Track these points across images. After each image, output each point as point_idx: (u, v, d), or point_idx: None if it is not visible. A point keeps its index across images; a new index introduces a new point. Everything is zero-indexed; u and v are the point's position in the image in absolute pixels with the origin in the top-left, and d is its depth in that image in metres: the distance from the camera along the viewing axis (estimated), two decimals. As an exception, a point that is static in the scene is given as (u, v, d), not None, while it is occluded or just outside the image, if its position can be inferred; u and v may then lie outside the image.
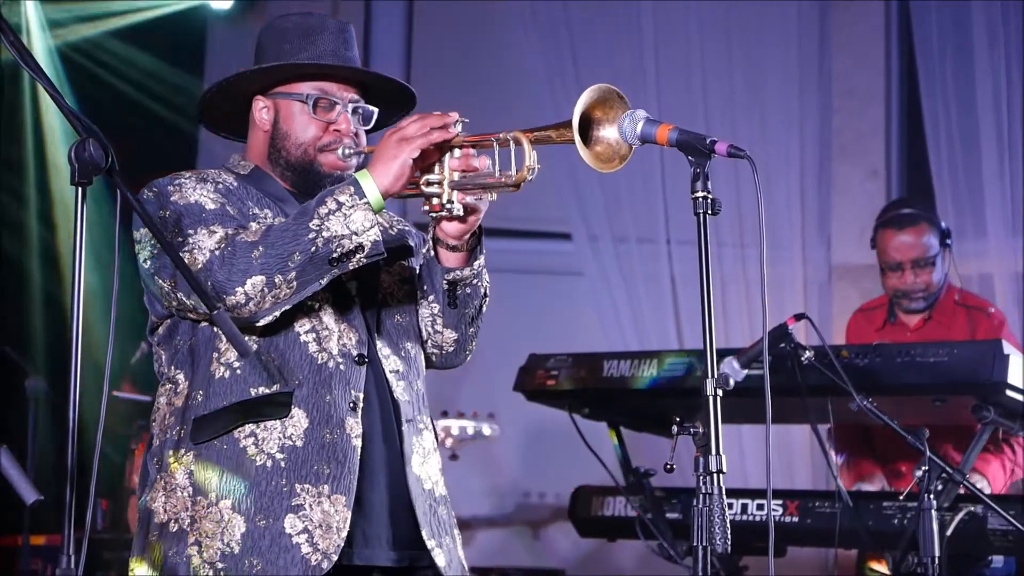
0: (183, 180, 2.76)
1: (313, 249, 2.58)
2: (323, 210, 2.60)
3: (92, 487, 2.30)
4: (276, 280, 2.58)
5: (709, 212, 2.49)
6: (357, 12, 6.99)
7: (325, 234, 2.58)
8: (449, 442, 5.81)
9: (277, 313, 2.64)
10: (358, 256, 2.62)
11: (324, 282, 2.65)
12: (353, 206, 2.59)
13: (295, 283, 2.60)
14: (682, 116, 6.54)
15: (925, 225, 4.74)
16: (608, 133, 2.59)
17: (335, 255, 2.60)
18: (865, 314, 4.99)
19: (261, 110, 2.90)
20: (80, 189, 2.30)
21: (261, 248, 2.59)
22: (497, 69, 6.97)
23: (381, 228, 2.67)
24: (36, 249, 6.26)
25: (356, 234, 2.59)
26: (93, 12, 6.50)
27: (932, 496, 3.61)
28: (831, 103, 6.87)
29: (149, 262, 2.72)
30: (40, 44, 6.27)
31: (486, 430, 5.88)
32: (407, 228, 3.04)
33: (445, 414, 5.86)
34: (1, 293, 6.09)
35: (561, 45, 6.77)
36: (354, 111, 2.88)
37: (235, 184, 2.84)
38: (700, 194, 2.49)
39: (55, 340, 6.13)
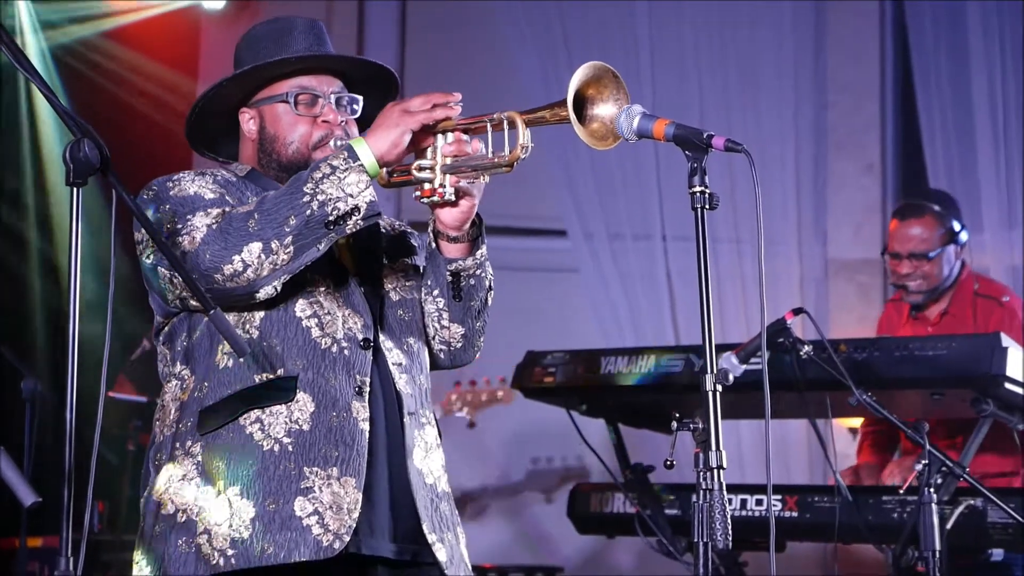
0: (181, 176, 2.77)
1: (308, 212, 2.57)
2: (317, 175, 2.59)
3: (90, 489, 2.29)
4: (273, 246, 2.57)
5: (707, 207, 2.48)
6: (351, 12, 6.98)
7: (320, 197, 2.57)
8: (465, 410, 5.82)
9: (277, 284, 2.63)
10: (355, 218, 2.61)
11: (322, 248, 2.63)
12: (347, 169, 2.58)
13: (292, 248, 2.59)
14: (677, 113, 6.42)
15: (929, 218, 4.68)
16: (602, 111, 2.58)
17: (331, 218, 2.58)
18: (896, 304, 4.95)
19: (248, 121, 2.90)
20: (75, 189, 2.29)
21: (256, 216, 2.59)
22: (491, 68, 6.95)
23: (384, 228, 2.65)
24: (34, 251, 6.25)
25: (351, 196, 2.58)
26: (86, 13, 6.48)
27: (932, 490, 3.61)
28: (826, 99, 6.87)
29: (152, 258, 2.72)
30: (33, 45, 6.26)
31: (499, 393, 5.89)
32: (408, 229, 3.03)
33: (458, 384, 5.88)
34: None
35: (555, 44, 6.76)
36: (337, 101, 2.87)
37: (234, 179, 2.85)
38: (697, 189, 2.48)
39: (52, 341, 6.12)
